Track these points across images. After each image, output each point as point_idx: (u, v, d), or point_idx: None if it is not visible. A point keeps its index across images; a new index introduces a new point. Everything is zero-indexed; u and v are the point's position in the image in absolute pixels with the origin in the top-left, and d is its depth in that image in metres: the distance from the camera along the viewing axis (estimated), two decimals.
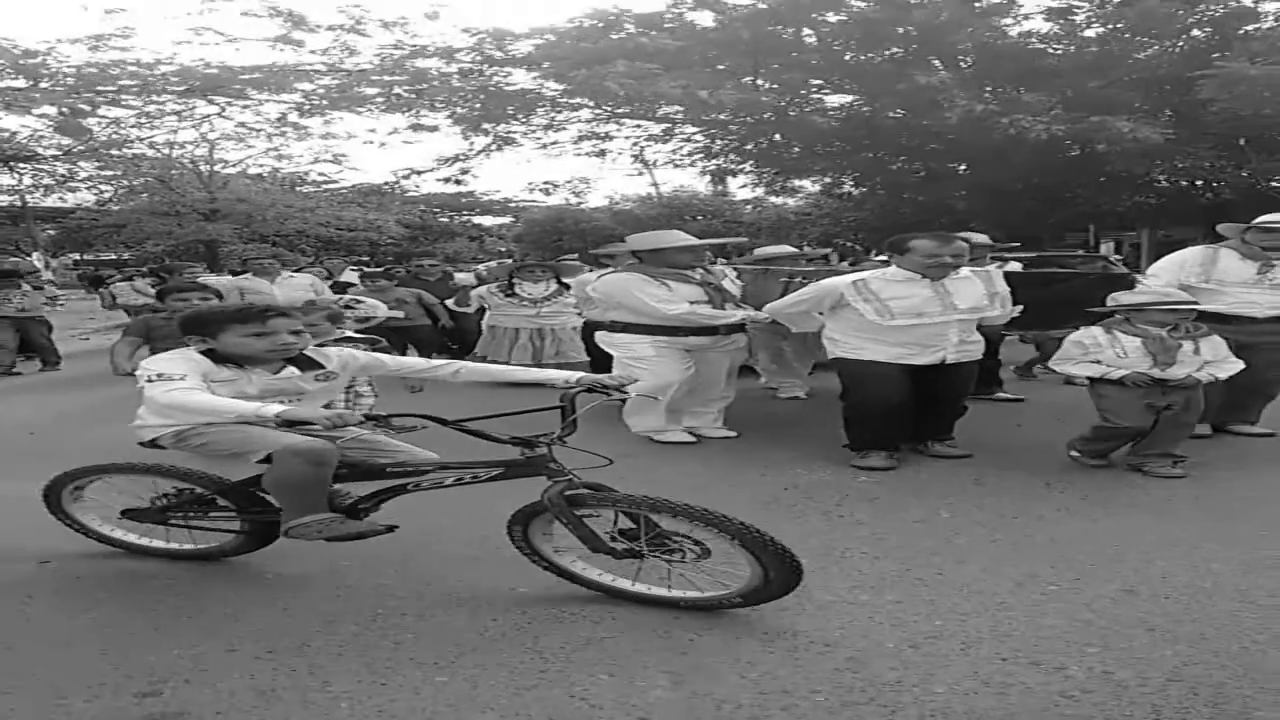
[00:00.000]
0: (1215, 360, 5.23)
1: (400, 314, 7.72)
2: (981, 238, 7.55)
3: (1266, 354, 5.77)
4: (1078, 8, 19.64)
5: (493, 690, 2.70)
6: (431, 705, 2.62)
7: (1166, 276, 5.98)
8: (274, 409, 3.08)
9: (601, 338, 6.28)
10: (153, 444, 3.59)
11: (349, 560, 3.66)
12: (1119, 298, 5.36)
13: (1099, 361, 5.21)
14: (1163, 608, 3.22)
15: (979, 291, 5.40)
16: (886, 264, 5.68)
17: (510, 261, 16.34)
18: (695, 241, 6.19)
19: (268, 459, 3.34)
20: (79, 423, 7.22)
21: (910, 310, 5.21)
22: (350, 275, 14.47)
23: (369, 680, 2.76)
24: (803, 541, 3.60)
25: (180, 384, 3.25)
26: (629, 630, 3.09)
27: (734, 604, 3.13)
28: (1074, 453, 5.35)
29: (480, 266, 17.32)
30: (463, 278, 12.30)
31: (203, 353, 3.48)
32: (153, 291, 10.76)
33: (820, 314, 5.61)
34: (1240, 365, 5.31)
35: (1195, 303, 5.40)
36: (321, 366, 3.67)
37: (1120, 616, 3.14)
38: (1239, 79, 16.02)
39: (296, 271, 12.86)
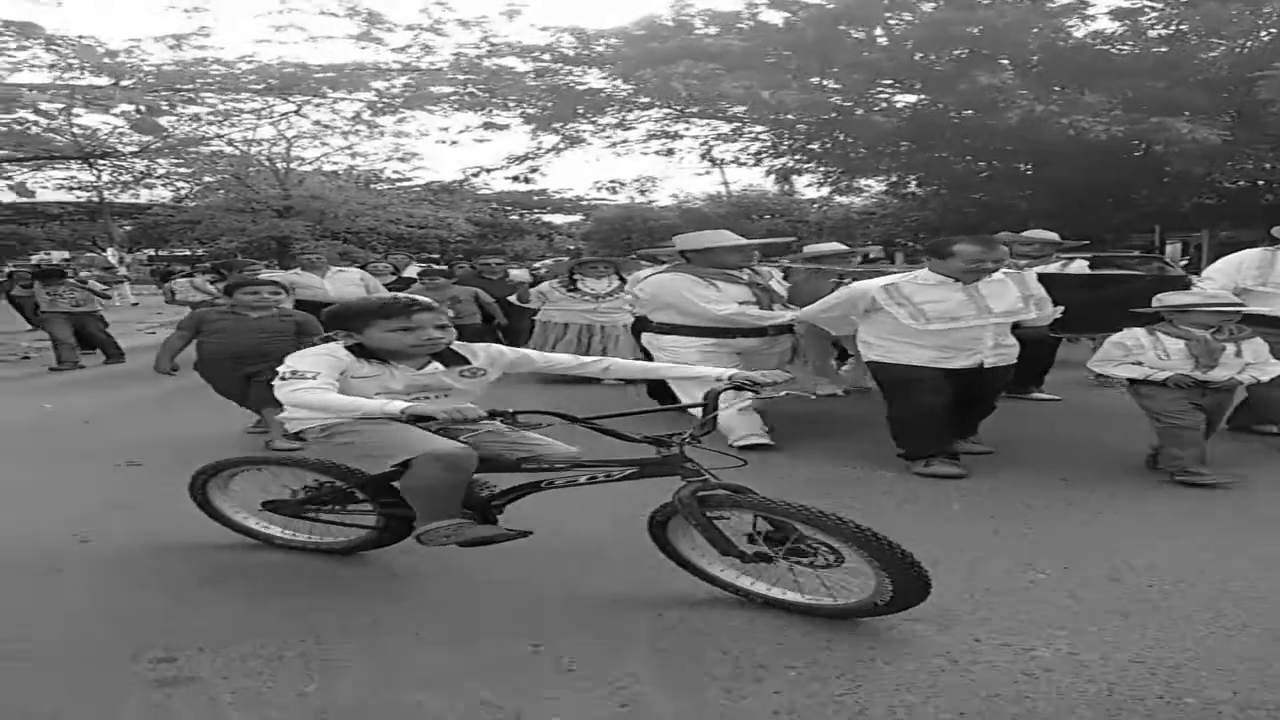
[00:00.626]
0: (1256, 363, 5.17)
1: (450, 313, 8.00)
2: (1050, 235, 7.62)
3: None
4: (1150, 7, 19.41)
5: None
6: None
7: (1222, 279, 5.90)
8: (398, 405, 3.07)
9: (648, 339, 6.29)
10: (298, 437, 3.68)
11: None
12: (1164, 299, 5.31)
13: (1140, 363, 5.16)
14: (1142, 595, 3.32)
15: (1013, 294, 5.38)
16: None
17: (567, 259, 16.51)
18: (744, 241, 6.21)
19: (405, 462, 3.38)
20: (138, 413, 7.57)
21: (945, 314, 5.18)
22: (413, 271, 14.75)
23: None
24: None
25: (309, 383, 3.27)
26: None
27: (864, 613, 3.08)
28: (1179, 477, 5.00)
29: (537, 264, 17.53)
30: (517, 274, 12.48)
31: (349, 347, 3.52)
32: (212, 288, 11.00)
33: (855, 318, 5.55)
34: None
35: (1241, 305, 5.34)
36: (468, 362, 3.68)
37: (1098, 603, 3.26)
38: None
39: (361, 266, 13.15)
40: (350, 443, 3.46)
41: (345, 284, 10.57)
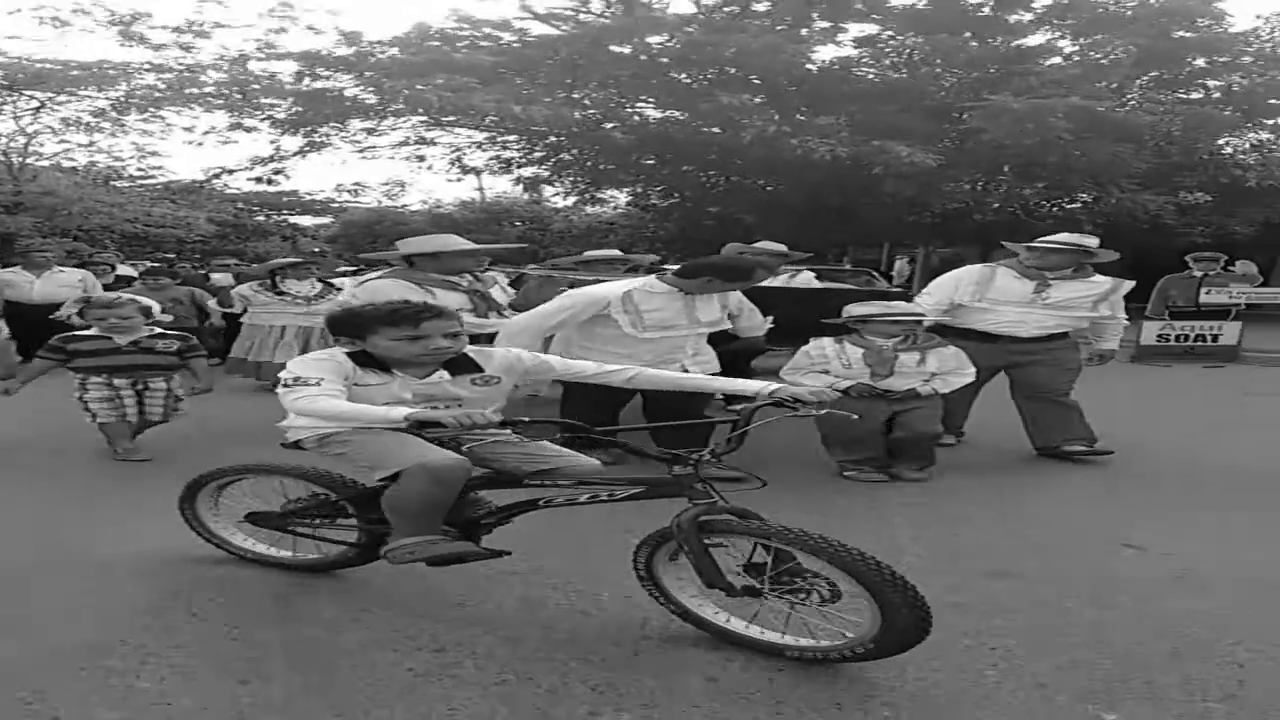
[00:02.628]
0: (943, 372, 5.43)
1: (169, 317, 7.76)
2: (778, 247, 7.75)
3: (1037, 370, 5.96)
4: (891, 36, 20.86)
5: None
6: None
7: (938, 294, 6.13)
8: (401, 411, 2.91)
9: None
10: (296, 445, 3.42)
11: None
12: (850, 309, 5.55)
13: (827, 371, 5.37)
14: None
15: (716, 306, 5.50)
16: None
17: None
18: (474, 246, 6.10)
19: (395, 475, 3.16)
20: None
21: (661, 323, 5.24)
22: (126, 270, 14.10)
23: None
24: None
25: (312, 390, 3.07)
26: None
27: (847, 657, 2.81)
28: (849, 473, 5.33)
29: (232, 261, 16.94)
30: (219, 278, 12.12)
31: (351, 354, 3.29)
32: None
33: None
34: (970, 378, 5.51)
35: (921, 315, 5.61)
36: (480, 369, 3.41)
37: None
38: (1002, 111, 17.29)
39: (80, 266, 12.47)
40: (343, 453, 3.28)
41: (59, 285, 10.04)
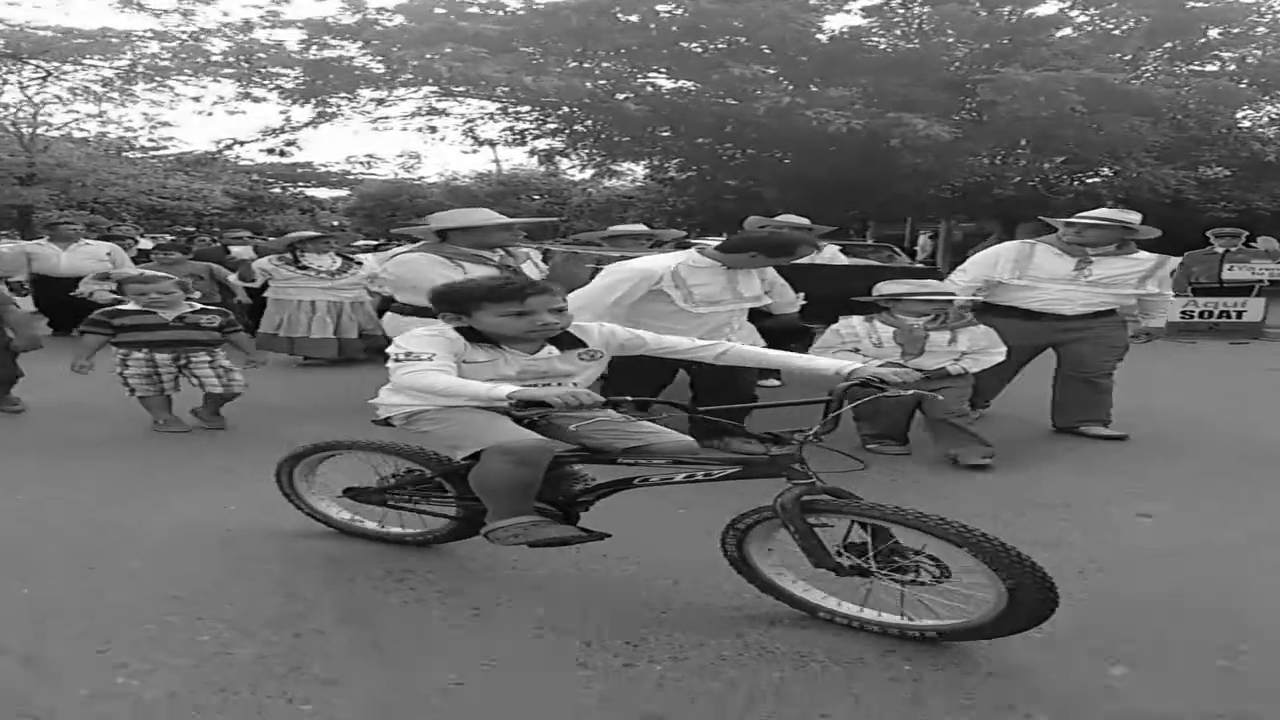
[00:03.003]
0: (973, 351, 5.39)
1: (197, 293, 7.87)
2: (801, 220, 7.68)
3: (1082, 349, 5.90)
4: (898, 5, 20.79)
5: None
6: None
7: (974, 271, 6.05)
8: (505, 389, 2.88)
9: (389, 320, 6.04)
10: (386, 422, 3.44)
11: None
12: (881, 288, 5.50)
13: (857, 350, 5.30)
14: None
15: (756, 282, 5.48)
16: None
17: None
18: (510, 220, 6.06)
19: (476, 454, 3.18)
20: None
21: (708, 298, 5.21)
22: (145, 244, 14.21)
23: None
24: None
25: (424, 364, 3.07)
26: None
27: (974, 634, 2.80)
28: (870, 446, 5.41)
29: (247, 234, 16.99)
30: (238, 251, 12.15)
31: (459, 329, 3.28)
32: None
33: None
34: (1001, 357, 5.43)
35: (951, 294, 5.53)
36: (584, 344, 3.39)
37: None
38: (1013, 84, 17.28)
39: (101, 239, 12.61)
40: (430, 430, 3.31)
41: (85, 258, 10.25)
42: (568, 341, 3.36)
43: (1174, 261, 6.07)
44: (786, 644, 2.92)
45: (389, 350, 3.23)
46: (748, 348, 3.59)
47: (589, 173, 28.44)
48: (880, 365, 3.14)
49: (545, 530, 3.16)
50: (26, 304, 9.88)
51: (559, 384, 3.26)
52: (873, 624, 2.94)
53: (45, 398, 6.55)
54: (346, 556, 3.67)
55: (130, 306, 5.98)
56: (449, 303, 3.32)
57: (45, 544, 3.80)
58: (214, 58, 21.50)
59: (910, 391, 3.09)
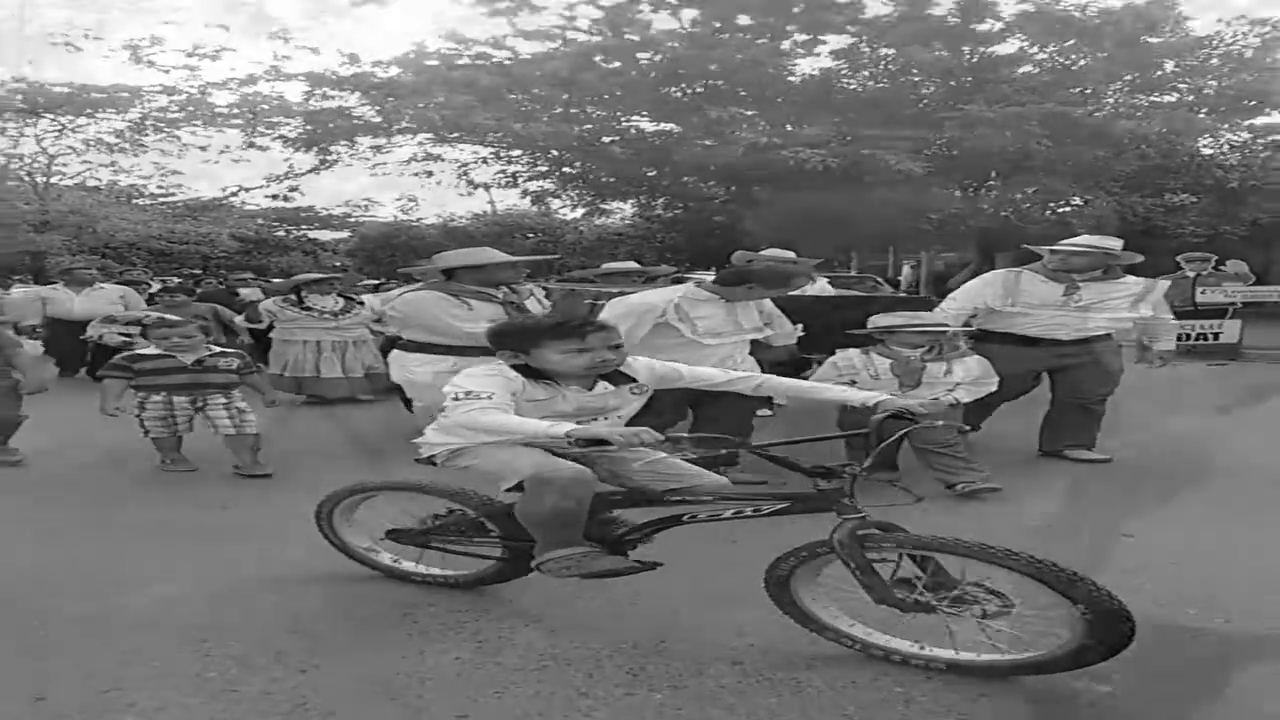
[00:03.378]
0: (966, 381, 5.24)
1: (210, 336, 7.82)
2: (787, 254, 7.69)
3: (1079, 374, 5.82)
4: (866, 47, 21.01)
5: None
6: None
7: (963, 300, 5.93)
8: (564, 428, 2.82)
9: (395, 358, 6.00)
10: (430, 461, 3.36)
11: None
12: (875, 320, 5.36)
13: (854, 382, 5.11)
14: None
15: (755, 313, 5.40)
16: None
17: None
18: (515, 259, 6.04)
19: (519, 486, 3.10)
20: None
21: (712, 330, 5.14)
22: (156, 286, 14.26)
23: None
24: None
25: (484, 403, 2.97)
26: None
27: (1047, 668, 2.67)
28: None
29: (250, 276, 17.06)
30: (247, 293, 12.15)
31: (516, 368, 3.20)
32: None
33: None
34: (993, 387, 5.31)
35: (945, 325, 5.43)
36: (634, 379, 3.30)
37: None
38: (978, 120, 17.48)
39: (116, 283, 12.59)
40: (471, 465, 3.22)
41: (100, 302, 10.22)
42: (619, 377, 3.27)
43: (1164, 284, 6.05)
44: (783, 671, 2.88)
45: (445, 389, 3.11)
46: (784, 379, 3.48)
47: (580, 212, 28.58)
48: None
49: (598, 562, 3.07)
50: (35, 347, 9.84)
51: (605, 419, 3.21)
52: (930, 660, 2.80)
53: (52, 438, 6.47)
54: (350, 591, 3.62)
55: (150, 350, 5.90)
56: (509, 340, 3.24)
57: (52, 584, 3.74)
58: (219, 110, 21.77)
59: (940, 424, 3.02)
